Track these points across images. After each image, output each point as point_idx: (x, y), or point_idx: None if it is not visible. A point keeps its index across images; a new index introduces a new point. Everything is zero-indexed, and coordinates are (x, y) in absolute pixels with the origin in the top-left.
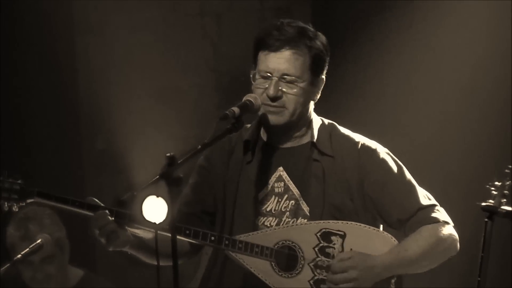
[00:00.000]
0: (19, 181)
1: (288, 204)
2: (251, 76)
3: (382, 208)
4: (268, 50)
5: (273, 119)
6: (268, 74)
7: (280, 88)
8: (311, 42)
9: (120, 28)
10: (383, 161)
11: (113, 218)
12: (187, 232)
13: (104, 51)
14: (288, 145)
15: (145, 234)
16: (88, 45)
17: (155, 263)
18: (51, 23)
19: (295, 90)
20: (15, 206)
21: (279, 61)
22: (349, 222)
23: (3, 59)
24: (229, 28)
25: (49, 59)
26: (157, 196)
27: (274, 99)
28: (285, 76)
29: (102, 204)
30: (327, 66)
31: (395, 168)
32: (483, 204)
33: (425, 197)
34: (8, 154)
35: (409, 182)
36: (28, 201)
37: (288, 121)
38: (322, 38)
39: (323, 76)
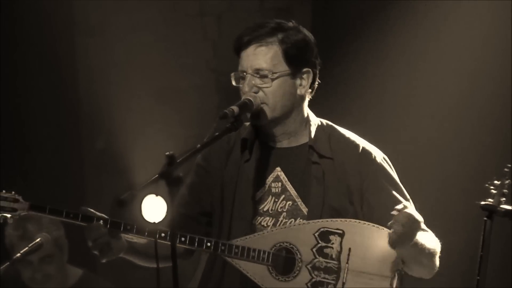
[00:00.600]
0: (12, 192)
1: (285, 204)
2: (232, 79)
3: (377, 214)
4: (241, 50)
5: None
6: (244, 73)
7: (254, 83)
8: (283, 35)
9: (120, 28)
10: (383, 169)
11: (107, 229)
12: (183, 239)
13: (104, 52)
14: (285, 144)
15: (139, 239)
16: (88, 45)
17: (150, 265)
18: (51, 23)
19: (269, 83)
20: (10, 218)
21: (249, 58)
22: (348, 220)
23: (3, 59)
24: (229, 28)
25: (50, 59)
26: (156, 195)
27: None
28: (258, 71)
29: (97, 214)
30: (314, 60)
31: (392, 175)
32: (483, 203)
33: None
34: (8, 154)
35: (401, 189)
36: (22, 214)
37: (271, 116)
38: (301, 30)
39: (308, 69)
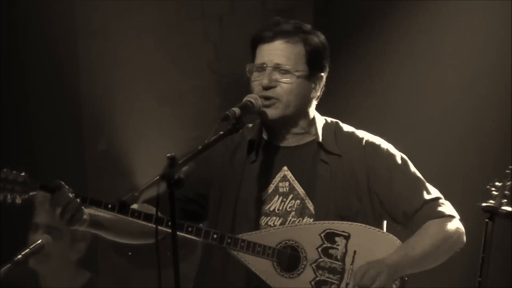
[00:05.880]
0: (22, 174)
1: (294, 204)
2: (247, 70)
3: (388, 203)
4: (263, 43)
5: (268, 112)
6: (264, 65)
7: (274, 78)
8: (306, 36)
9: (122, 30)
10: (388, 156)
11: (73, 195)
12: (189, 229)
13: (106, 54)
14: (291, 143)
15: (103, 214)
16: (91, 47)
17: (118, 240)
18: (53, 26)
19: (288, 79)
20: (18, 198)
21: (272, 52)
22: (354, 223)
23: (6, 62)
24: (231, 30)
25: (52, 61)
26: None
27: (267, 88)
28: (279, 66)
29: (102, 199)
30: (327, 66)
31: (400, 162)
32: (484, 204)
33: (430, 190)
34: (10, 155)
35: (415, 176)
36: (31, 193)
37: (283, 114)
38: (320, 35)
39: (322, 74)
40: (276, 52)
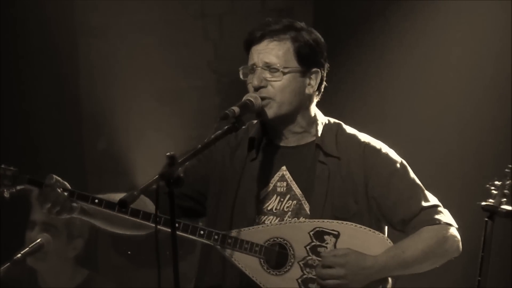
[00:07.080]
0: (11, 168)
1: (291, 204)
2: (241, 73)
3: (386, 208)
4: (253, 44)
5: (266, 111)
6: (254, 66)
7: (263, 77)
8: (295, 33)
9: (122, 29)
10: (388, 161)
11: (61, 190)
12: (176, 225)
13: (106, 53)
14: (291, 143)
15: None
16: (90, 46)
17: (108, 228)
18: (53, 25)
19: (279, 77)
20: (6, 192)
21: (261, 52)
22: (345, 222)
23: (5, 61)
24: (230, 29)
25: (52, 61)
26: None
27: (257, 88)
28: (269, 65)
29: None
30: (323, 62)
31: (399, 168)
32: (484, 203)
33: (428, 198)
34: (10, 155)
35: (414, 182)
36: (19, 187)
37: (278, 112)
38: (312, 31)
39: (318, 69)
40: (264, 51)
